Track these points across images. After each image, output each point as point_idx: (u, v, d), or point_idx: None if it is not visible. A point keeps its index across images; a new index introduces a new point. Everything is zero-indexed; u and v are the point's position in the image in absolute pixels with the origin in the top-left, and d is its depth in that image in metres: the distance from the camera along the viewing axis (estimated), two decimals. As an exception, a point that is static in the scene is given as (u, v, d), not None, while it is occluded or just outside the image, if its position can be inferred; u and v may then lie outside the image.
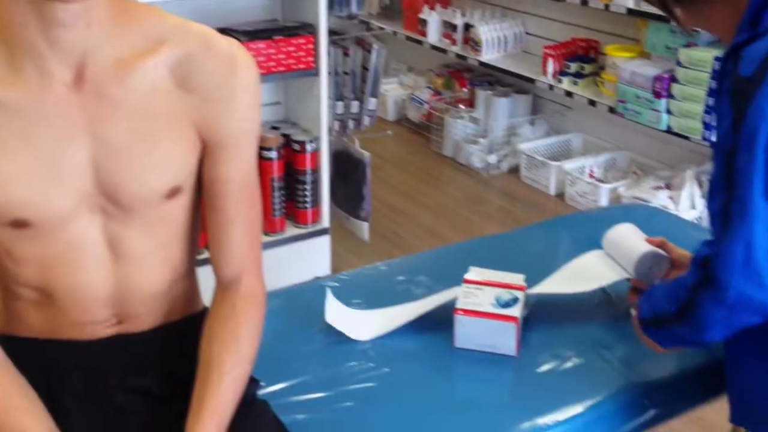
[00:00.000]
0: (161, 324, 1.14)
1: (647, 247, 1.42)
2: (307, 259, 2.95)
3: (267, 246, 2.81)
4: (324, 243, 2.97)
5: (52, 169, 0.98)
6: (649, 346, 1.28)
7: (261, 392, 1.22)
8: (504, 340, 1.36)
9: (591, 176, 3.58)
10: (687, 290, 1.12)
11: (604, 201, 3.42)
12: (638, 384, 1.31)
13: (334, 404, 1.25)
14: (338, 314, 1.46)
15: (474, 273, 1.46)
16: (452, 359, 1.37)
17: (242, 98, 1.05)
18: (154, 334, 1.13)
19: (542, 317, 1.45)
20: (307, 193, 2.86)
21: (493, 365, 1.35)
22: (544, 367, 1.34)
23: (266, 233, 2.84)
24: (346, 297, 1.50)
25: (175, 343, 1.15)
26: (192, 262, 1.16)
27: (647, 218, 1.85)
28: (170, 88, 1.02)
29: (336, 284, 1.56)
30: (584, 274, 1.48)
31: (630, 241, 1.46)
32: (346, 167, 2.93)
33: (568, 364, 1.34)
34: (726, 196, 1.06)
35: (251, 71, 1.06)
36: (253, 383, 1.17)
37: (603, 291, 1.44)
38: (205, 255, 1.14)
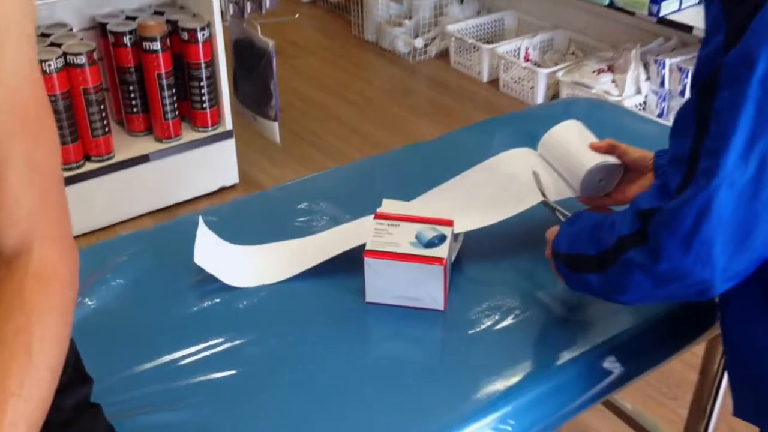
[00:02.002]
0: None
1: (593, 161, 1.13)
2: (210, 167, 2.60)
3: (161, 154, 2.45)
4: (228, 147, 2.61)
5: None
6: (555, 274, 1.02)
7: (98, 387, 0.88)
8: (429, 289, 1.06)
9: (527, 59, 3.25)
10: (615, 238, 0.86)
11: (541, 88, 3.10)
12: (600, 341, 1.02)
13: (200, 397, 0.92)
14: (211, 253, 1.13)
15: (388, 206, 1.13)
16: (363, 319, 1.06)
17: None
18: None
19: (473, 256, 1.14)
20: (204, 90, 2.46)
21: (416, 324, 1.04)
22: (481, 325, 1.03)
23: (158, 139, 2.46)
24: (225, 236, 1.16)
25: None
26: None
27: (588, 113, 1.61)
28: None
29: (213, 218, 1.22)
30: (518, 182, 1.18)
31: (572, 152, 1.17)
32: (250, 59, 2.51)
33: (509, 320, 1.04)
34: (695, 142, 0.78)
35: None
36: (80, 385, 0.84)
37: (552, 210, 1.13)
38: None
